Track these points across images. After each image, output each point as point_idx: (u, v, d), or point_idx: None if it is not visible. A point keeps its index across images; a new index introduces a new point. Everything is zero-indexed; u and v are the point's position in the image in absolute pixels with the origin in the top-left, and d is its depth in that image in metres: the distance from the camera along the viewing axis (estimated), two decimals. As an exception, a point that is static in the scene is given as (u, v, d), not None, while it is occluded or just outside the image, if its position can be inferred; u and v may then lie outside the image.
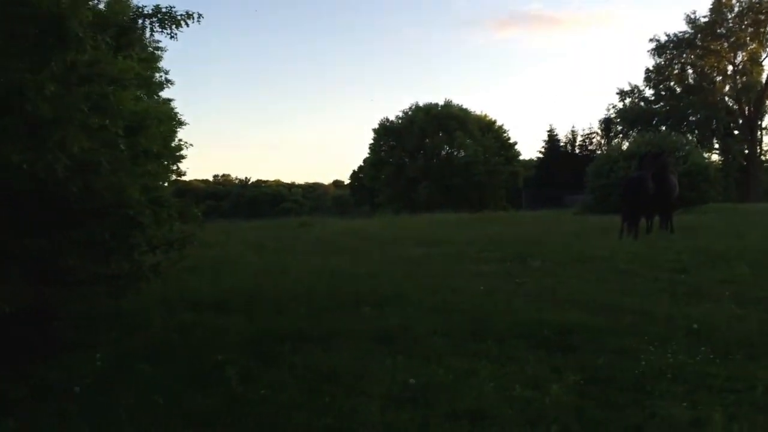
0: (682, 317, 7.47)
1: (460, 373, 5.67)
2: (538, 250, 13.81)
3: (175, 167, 26.67)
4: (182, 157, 26.39)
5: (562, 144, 71.39)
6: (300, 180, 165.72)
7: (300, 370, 5.75)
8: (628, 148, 46.01)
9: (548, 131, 71.12)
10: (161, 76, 25.91)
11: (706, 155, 54.84)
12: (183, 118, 26.60)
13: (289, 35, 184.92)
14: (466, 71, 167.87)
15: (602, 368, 5.77)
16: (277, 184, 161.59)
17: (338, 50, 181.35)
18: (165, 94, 28.04)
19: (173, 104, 26.86)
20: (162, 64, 26.77)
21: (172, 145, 25.43)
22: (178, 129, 26.50)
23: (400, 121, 70.86)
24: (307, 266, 12.32)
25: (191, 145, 24.83)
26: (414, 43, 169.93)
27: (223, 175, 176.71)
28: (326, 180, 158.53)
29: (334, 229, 23.88)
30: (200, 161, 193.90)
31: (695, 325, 7.04)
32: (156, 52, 25.41)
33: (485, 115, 73.59)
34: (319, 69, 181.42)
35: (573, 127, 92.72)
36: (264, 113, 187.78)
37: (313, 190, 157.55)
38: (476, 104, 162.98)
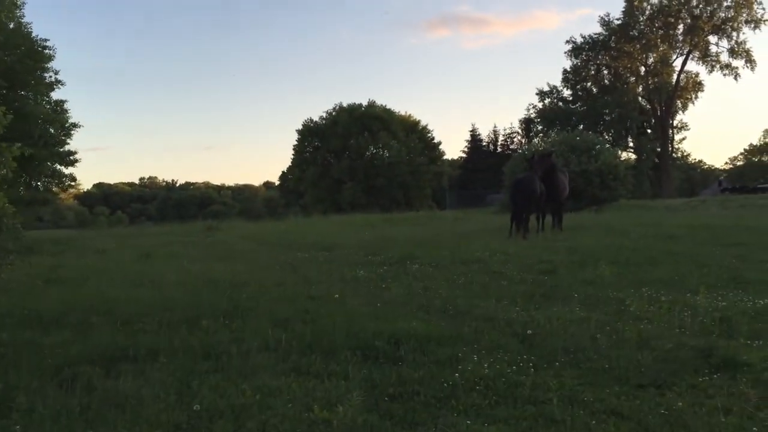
0: (523, 322, 7.42)
1: (267, 392, 5.40)
2: (424, 252, 13.75)
3: (68, 172, 25.94)
4: (75, 161, 25.73)
5: (484, 144, 72.50)
6: (230, 181, 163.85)
7: (97, 396, 5.38)
8: (543, 147, 47.05)
9: (471, 131, 72.36)
10: (51, 77, 25.12)
11: (621, 154, 56.61)
12: (76, 121, 25.91)
13: (218, 33, 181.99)
14: (397, 72, 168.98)
15: (417, 381, 5.60)
16: (206, 186, 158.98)
17: (270, 49, 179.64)
18: (58, 95, 26.84)
19: (66, 106, 26.23)
20: (54, 64, 26.01)
21: (62, 150, 24.68)
22: (72, 131, 25.79)
23: (323, 122, 70.42)
24: (183, 275, 11.88)
25: (75, 153, 24.32)
26: (347, 43, 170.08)
27: (150, 178, 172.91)
28: (257, 181, 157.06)
29: (238, 233, 23.44)
30: (126, 164, 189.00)
31: (529, 331, 6.98)
32: (45, 50, 24.54)
33: (409, 116, 73.85)
34: (251, 68, 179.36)
35: (495, 126, 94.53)
36: (194, 114, 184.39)
37: (243, 191, 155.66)
38: (402, 105, 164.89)
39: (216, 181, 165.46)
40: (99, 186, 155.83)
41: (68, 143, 25.39)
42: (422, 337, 6.80)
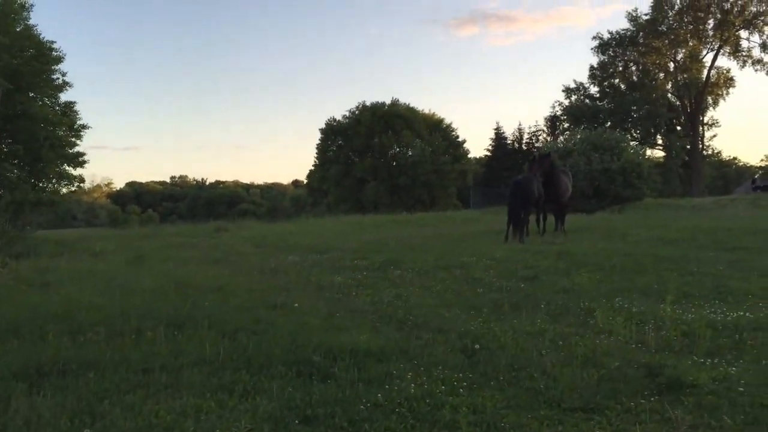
0: (477, 335, 7.13)
1: (181, 412, 5.19)
2: (412, 256, 13.48)
3: (77, 173, 26.18)
4: (84, 162, 25.95)
5: (509, 142, 71.62)
6: (260, 180, 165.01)
7: (11, 416, 5.22)
8: (564, 145, 46.31)
9: (495, 129, 71.28)
10: (58, 79, 25.35)
11: (647, 151, 55.54)
12: (84, 122, 26.13)
13: (247, 33, 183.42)
14: (424, 70, 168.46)
15: (339, 402, 5.35)
16: (236, 184, 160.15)
17: (301, 47, 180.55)
18: (68, 96, 27.04)
19: (76, 108, 26.45)
20: (63, 66, 26.29)
21: (72, 151, 24.91)
22: (82, 132, 26.02)
23: (347, 121, 70.34)
24: (160, 280, 11.74)
25: (84, 154, 24.48)
26: (376, 41, 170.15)
27: (180, 176, 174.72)
28: (286, 180, 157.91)
29: (243, 234, 23.33)
30: (159, 163, 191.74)
31: (477, 345, 6.69)
32: (52, 53, 24.75)
33: (433, 114, 73.47)
34: (281, 67, 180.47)
35: (520, 124, 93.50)
36: (226, 114, 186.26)
37: (271, 190, 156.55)
38: (428, 103, 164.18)
39: (245, 179, 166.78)
40: (131, 185, 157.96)
41: (78, 144, 25.71)
42: (364, 352, 6.54)
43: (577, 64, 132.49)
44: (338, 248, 16.12)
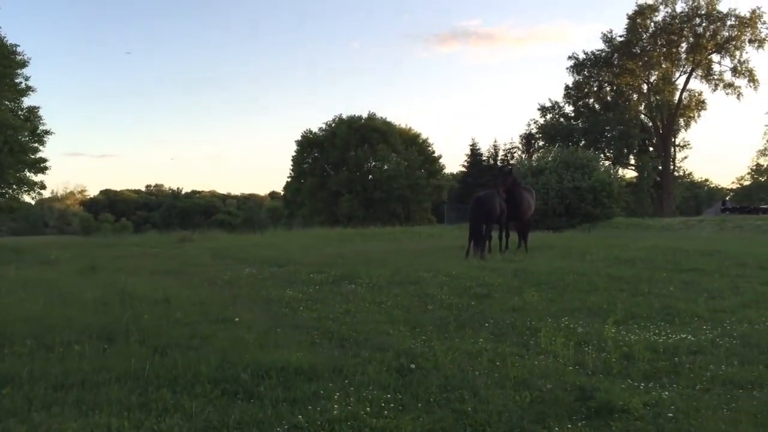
0: (415, 354, 6.96)
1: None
2: (369, 270, 13.30)
3: (38, 179, 25.68)
4: (45, 168, 25.47)
5: (484, 158, 71.92)
6: (237, 191, 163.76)
7: None
8: (537, 162, 46.55)
9: (471, 145, 71.51)
10: (21, 83, 24.93)
11: (619, 171, 56.03)
12: (48, 128, 25.72)
13: (228, 44, 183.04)
14: (403, 85, 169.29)
15: (257, 423, 5.15)
16: (212, 194, 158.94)
17: (282, 58, 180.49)
18: (31, 101, 26.59)
19: (40, 113, 26.04)
20: (27, 70, 25.90)
21: (33, 157, 24.44)
22: (45, 138, 25.55)
23: (323, 133, 70.19)
24: (105, 291, 11.41)
25: (46, 160, 24.01)
26: (358, 54, 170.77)
27: (156, 185, 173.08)
28: (264, 191, 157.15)
29: (207, 245, 23.04)
30: (135, 171, 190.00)
31: (412, 365, 6.53)
32: (16, 56, 24.31)
33: (410, 129, 73.53)
34: (261, 76, 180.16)
35: (495, 141, 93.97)
36: (204, 123, 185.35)
37: (248, 201, 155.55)
38: (405, 118, 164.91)
39: (223, 190, 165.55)
40: (105, 192, 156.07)
41: (41, 150, 25.23)
42: (294, 370, 6.35)
43: (556, 83, 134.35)
44: (297, 261, 15.91)
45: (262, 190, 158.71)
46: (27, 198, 27.45)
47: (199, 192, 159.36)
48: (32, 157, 24.76)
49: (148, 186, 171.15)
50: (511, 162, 70.71)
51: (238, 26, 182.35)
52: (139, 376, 6.28)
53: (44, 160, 25.33)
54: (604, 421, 5.19)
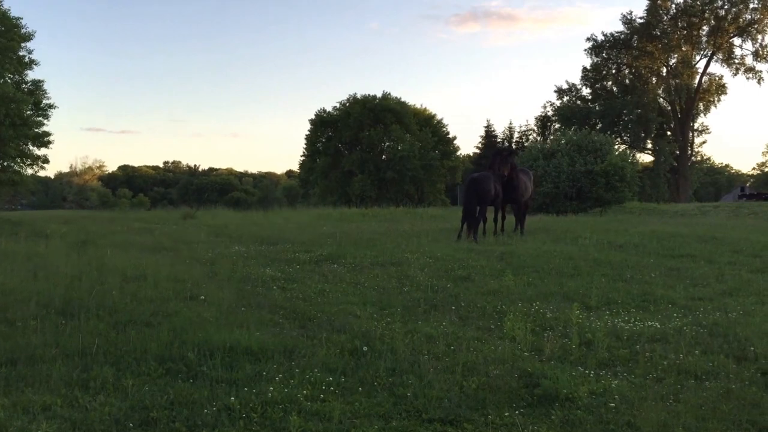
0: (375, 336, 6.83)
1: (22, 410, 4.90)
2: (355, 251, 13.20)
3: (41, 153, 25.73)
4: (48, 142, 25.51)
5: (499, 140, 71.37)
6: (254, 169, 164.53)
7: None
8: (550, 145, 46.02)
9: (485, 127, 71.14)
10: (25, 56, 24.89)
11: (633, 155, 55.28)
12: (51, 102, 25.75)
13: (249, 23, 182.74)
14: (421, 65, 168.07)
15: (190, 404, 5.05)
16: (229, 172, 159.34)
17: (302, 38, 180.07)
18: (35, 74, 26.51)
19: (45, 86, 26.00)
20: (32, 44, 25.92)
21: (37, 131, 24.47)
22: (49, 112, 25.56)
23: (337, 113, 69.84)
24: (89, 265, 11.38)
25: (50, 134, 24.03)
26: (377, 35, 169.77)
27: (174, 162, 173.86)
28: (280, 170, 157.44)
29: (208, 222, 23.04)
30: (154, 148, 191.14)
31: (365, 348, 6.41)
32: (20, 29, 24.22)
33: (424, 109, 72.97)
34: (281, 55, 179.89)
35: (510, 123, 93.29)
36: (223, 101, 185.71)
37: (264, 179, 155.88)
38: (421, 98, 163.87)
39: (240, 168, 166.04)
40: (123, 168, 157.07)
41: (45, 124, 25.25)
42: (243, 350, 6.25)
43: (574, 66, 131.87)
44: (289, 240, 15.83)
45: (279, 169, 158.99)
46: (29, 171, 27.52)
47: (216, 169, 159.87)
48: (35, 131, 24.81)
49: (165, 162, 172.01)
50: (523, 144, 70.11)
51: (257, 6, 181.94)
52: (88, 353, 6.22)
53: (48, 134, 25.38)
54: (545, 410, 5.04)
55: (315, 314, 8.03)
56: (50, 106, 25.46)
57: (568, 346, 6.53)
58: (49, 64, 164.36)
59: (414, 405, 5.09)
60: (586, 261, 11.67)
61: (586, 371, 5.80)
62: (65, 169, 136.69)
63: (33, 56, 24.50)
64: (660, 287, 9.43)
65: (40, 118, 25.06)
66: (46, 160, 25.52)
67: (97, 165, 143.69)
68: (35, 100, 24.78)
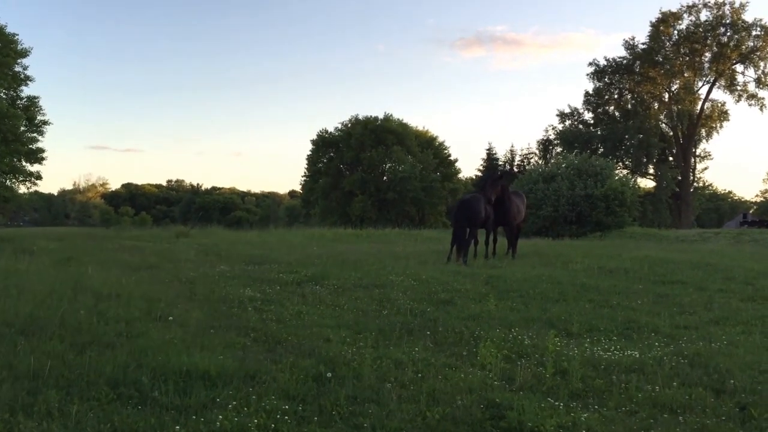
0: (341, 362, 6.57)
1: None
2: (340, 272, 12.96)
3: (34, 170, 25.62)
4: (42, 159, 25.42)
5: (500, 163, 71.23)
6: (257, 188, 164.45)
7: None
8: (549, 169, 45.85)
9: (487, 150, 71.01)
10: (20, 73, 24.87)
11: (635, 180, 55.09)
12: (46, 118, 25.70)
13: (255, 42, 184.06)
14: (425, 88, 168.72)
15: None
16: (232, 191, 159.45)
17: (306, 60, 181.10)
18: (30, 90, 26.45)
19: (40, 103, 25.99)
20: (33, 60, 25.97)
21: (32, 147, 24.38)
22: (43, 128, 25.51)
23: (338, 133, 69.93)
24: (65, 283, 11.12)
25: (43, 151, 23.95)
26: (383, 57, 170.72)
27: (177, 180, 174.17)
28: (283, 189, 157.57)
29: (200, 241, 22.80)
30: (157, 166, 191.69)
31: (329, 374, 6.15)
32: (16, 45, 24.22)
33: (426, 131, 73.09)
34: (285, 76, 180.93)
35: (512, 146, 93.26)
36: (227, 120, 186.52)
37: (267, 198, 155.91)
38: (424, 121, 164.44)
39: (243, 187, 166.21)
40: (127, 186, 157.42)
41: (39, 140, 25.18)
42: (202, 375, 5.99)
43: (577, 91, 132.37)
44: (277, 260, 15.58)
45: (282, 189, 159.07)
46: (22, 188, 27.41)
47: (219, 188, 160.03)
48: (29, 147, 24.72)
49: (169, 181, 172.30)
50: (524, 167, 69.93)
51: (263, 26, 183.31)
52: (39, 376, 5.96)
53: (41, 150, 25.28)
54: (508, 444, 4.78)
55: (286, 337, 7.77)
56: (44, 123, 25.42)
57: (542, 375, 6.27)
58: (56, 82, 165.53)
59: (373, 437, 4.83)
60: (573, 286, 11.40)
61: (557, 402, 5.52)
62: (69, 187, 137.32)
63: (28, 72, 24.59)
64: (645, 314, 9.15)
65: (35, 135, 25.04)
66: (39, 177, 25.46)
67: (101, 183, 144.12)
68: (29, 116, 24.74)
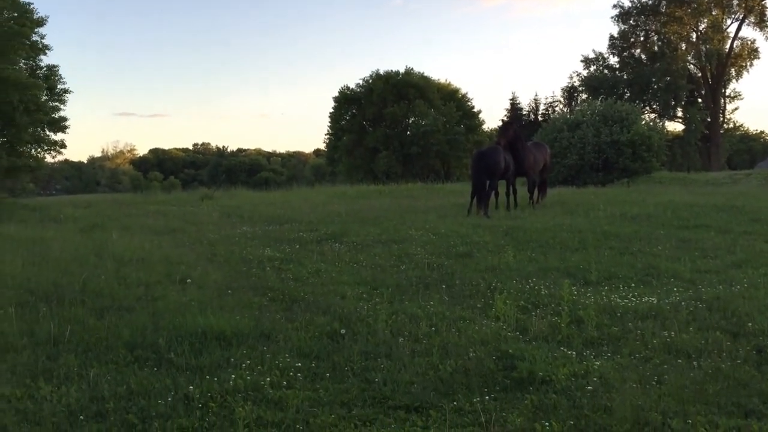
0: (357, 318, 6.62)
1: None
2: (360, 228, 12.98)
3: (57, 138, 25.80)
4: (65, 127, 25.59)
5: (525, 113, 70.30)
6: (283, 149, 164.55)
7: None
8: (573, 116, 45.07)
9: (511, 100, 69.96)
10: (37, 42, 24.87)
11: (663, 124, 54.00)
12: (67, 87, 25.77)
13: (270, 3, 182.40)
14: (445, 40, 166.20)
15: (145, 394, 4.88)
16: (258, 152, 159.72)
17: (328, 15, 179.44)
18: (49, 59, 26.46)
19: (60, 72, 26.07)
20: (54, 29, 26.27)
21: (54, 116, 24.52)
22: (65, 97, 25.63)
23: (360, 90, 69.29)
24: (89, 249, 11.29)
25: (66, 119, 24.10)
26: (400, 10, 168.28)
27: (203, 144, 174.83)
28: (308, 148, 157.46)
29: (224, 203, 22.93)
30: (184, 130, 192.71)
31: (342, 330, 6.19)
32: (32, 14, 24.18)
33: (448, 84, 72.09)
34: (308, 35, 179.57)
35: (536, 95, 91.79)
36: (251, 81, 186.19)
37: (292, 158, 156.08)
38: (446, 73, 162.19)
39: (268, 148, 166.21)
40: (154, 151, 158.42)
41: (62, 109, 25.33)
42: (217, 335, 6.06)
43: (601, 38, 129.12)
44: (298, 220, 15.62)
45: (307, 148, 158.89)
46: (48, 158, 27.71)
47: (245, 150, 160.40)
48: (52, 116, 24.89)
49: (195, 145, 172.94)
50: (549, 115, 68.84)
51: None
52: (60, 341, 6.09)
53: (64, 119, 25.43)
54: (519, 394, 4.78)
55: (303, 296, 7.83)
56: (65, 91, 25.52)
57: (557, 324, 6.24)
58: (83, 50, 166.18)
59: (382, 391, 4.86)
60: (594, 234, 11.27)
61: (570, 351, 5.50)
62: (98, 154, 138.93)
63: (46, 41, 24.63)
64: (666, 260, 9.04)
65: (56, 103, 25.19)
66: (63, 145, 25.70)
67: (128, 149, 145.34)
68: (50, 85, 24.87)
